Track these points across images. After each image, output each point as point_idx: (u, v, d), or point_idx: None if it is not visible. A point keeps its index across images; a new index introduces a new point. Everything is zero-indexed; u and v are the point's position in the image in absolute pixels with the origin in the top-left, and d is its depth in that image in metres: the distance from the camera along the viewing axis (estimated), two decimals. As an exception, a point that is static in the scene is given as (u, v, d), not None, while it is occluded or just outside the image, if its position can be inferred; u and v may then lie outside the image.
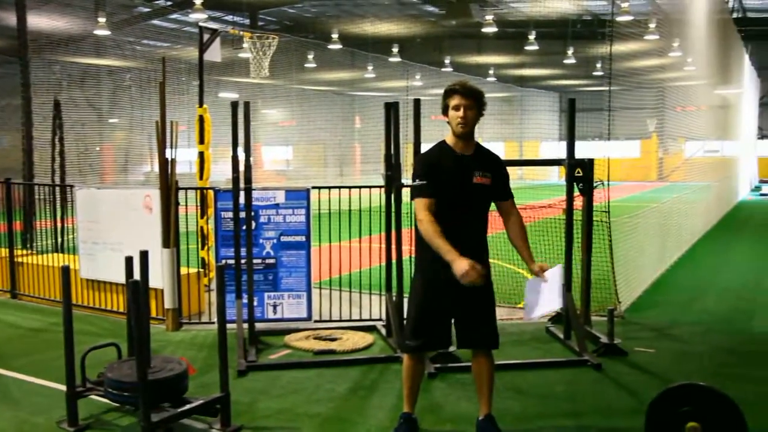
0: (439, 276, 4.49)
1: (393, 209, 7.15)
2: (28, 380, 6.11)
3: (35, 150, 11.99)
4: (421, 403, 5.22)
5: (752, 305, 9.05)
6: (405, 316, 5.33)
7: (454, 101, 4.58)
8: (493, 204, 4.74)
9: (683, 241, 13.59)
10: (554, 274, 4.59)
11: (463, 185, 4.57)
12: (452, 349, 5.93)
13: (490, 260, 4.81)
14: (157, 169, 7.78)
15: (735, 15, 30.96)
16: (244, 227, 7.11)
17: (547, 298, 4.59)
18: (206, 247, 9.41)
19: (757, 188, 32.48)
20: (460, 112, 4.55)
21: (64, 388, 5.06)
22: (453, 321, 4.77)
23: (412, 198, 4.71)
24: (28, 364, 6.54)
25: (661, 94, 14.58)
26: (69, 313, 5.00)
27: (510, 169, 4.85)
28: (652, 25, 14.08)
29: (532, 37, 28.97)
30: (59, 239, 10.40)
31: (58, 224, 10.32)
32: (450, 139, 4.69)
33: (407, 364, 4.85)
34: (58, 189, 10.56)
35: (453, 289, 4.47)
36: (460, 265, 4.27)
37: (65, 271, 4.99)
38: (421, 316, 4.71)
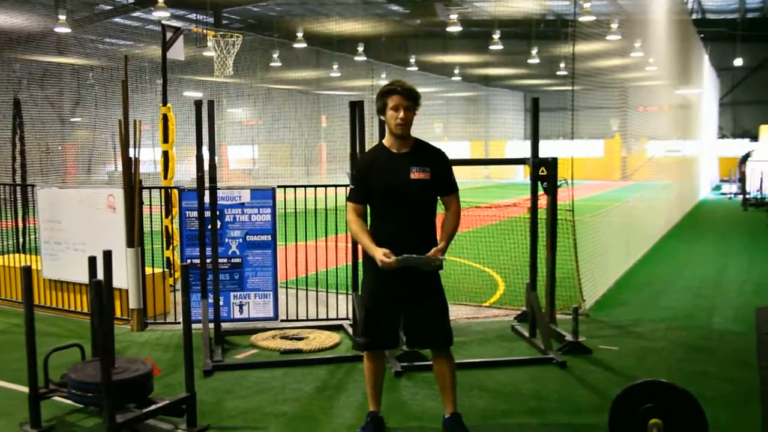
0: (385, 275, 4.54)
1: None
2: (-11, 383, 6.02)
3: (-5, 149, 11.81)
4: (388, 401, 5.23)
5: (712, 302, 9.19)
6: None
7: (393, 101, 4.56)
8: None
9: (646, 239, 13.76)
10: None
11: (401, 182, 4.58)
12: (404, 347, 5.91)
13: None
14: (120, 168, 7.70)
15: (695, 16, 31.44)
16: (210, 227, 7.07)
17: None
18: (171, 247, 9.34)
19: (718, 187, 32.98)
20: (400, 113, 4.54)
21: (26, 389, 4.99)
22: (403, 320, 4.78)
23: (347, 200, 4.88)
24: (-11, 367, 6.43)
25: (623, 94, 14.74)
26: (31, 313, 4.93)
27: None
28: (614, 26, 14.25)
29: (496, 36, 29.12)
30: (21, 239, 10.25)
31: (20, 224, 10.18)
32: (387, 140, 4.72)
33: (366, 363, 4.88)
34: (19, 189, 10.41)
35: (399, 288, 4.56)
36: (376, 255, 4.46)
37: (26, 271, 4.92)
38: (368, 314, 4.74)
